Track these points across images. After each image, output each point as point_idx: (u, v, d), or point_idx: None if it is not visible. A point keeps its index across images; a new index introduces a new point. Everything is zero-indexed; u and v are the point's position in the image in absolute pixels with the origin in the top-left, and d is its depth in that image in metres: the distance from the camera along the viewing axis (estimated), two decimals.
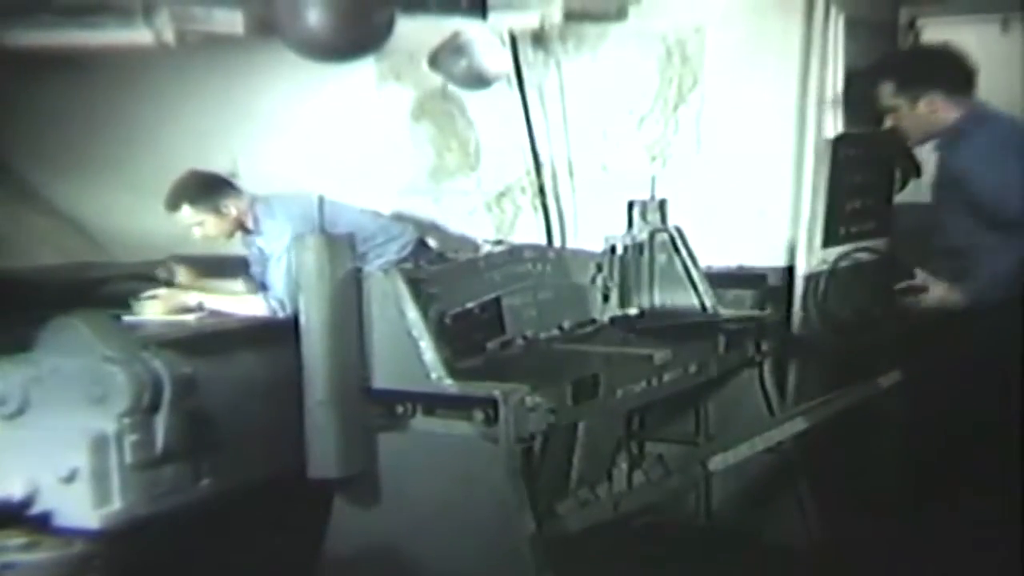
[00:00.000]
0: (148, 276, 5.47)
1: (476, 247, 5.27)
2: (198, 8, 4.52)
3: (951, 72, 4.04)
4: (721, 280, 4.73)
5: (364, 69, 5.73)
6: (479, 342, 3.81)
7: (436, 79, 5.65)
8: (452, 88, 5.69)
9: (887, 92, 4.09)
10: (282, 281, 4.60)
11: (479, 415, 3.28)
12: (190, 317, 4.61)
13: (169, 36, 4.53)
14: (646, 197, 4.51)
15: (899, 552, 4.09)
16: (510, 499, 3.28)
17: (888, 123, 4.16)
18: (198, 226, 4.97)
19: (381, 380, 3.44)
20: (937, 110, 3.98)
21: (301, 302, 3.47)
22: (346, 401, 3.42)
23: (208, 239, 5.05)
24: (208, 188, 4.95)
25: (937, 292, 3.85)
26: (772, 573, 4.28)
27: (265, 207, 4.96)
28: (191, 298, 4.74)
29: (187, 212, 4.93)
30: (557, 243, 5.62)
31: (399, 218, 5.64)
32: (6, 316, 4.15)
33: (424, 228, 5.66)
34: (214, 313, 4.64)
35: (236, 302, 4.74)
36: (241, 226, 5.01)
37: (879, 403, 4.29)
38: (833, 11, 5.00)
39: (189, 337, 4.13)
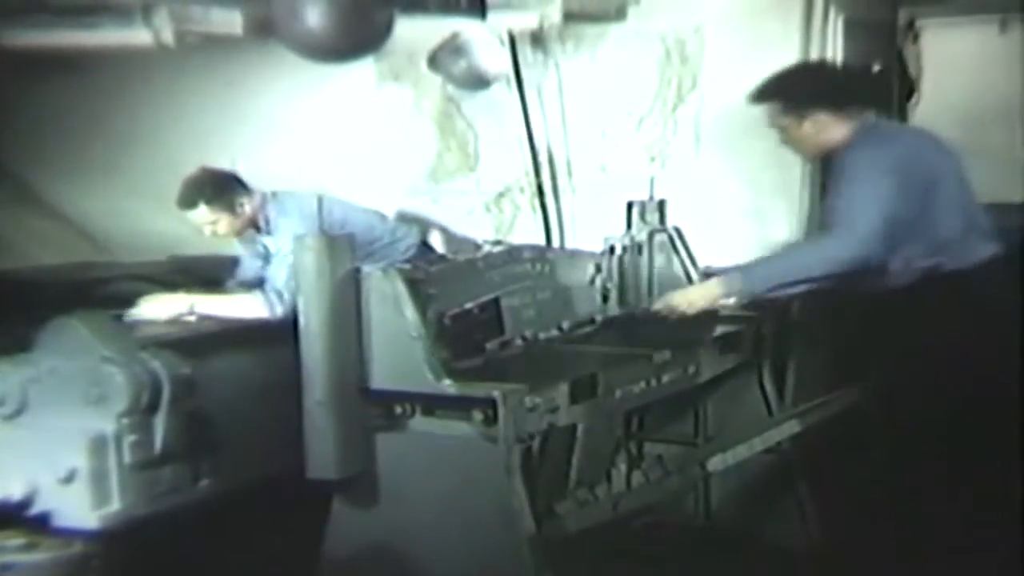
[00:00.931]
0: (148, 277, 5.47)
1: (475, 247, 5.27)
2: (197, 8, 4.52)
3: (835, 89, 4.02)
4: None
5: (363, 70, 5.73)
6: (478, 342, 3.81)
7: (435, 79, 5.65)
8: (451, 88, 5.70)
9: (774, 112, 4.05)
10: (284, 275, 4.56)
11: (478, 415, 3.28)
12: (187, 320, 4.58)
13: (168, 36, 4.54)
14: (645, 198, 4.51)
15: (898, 552, 4.09)
16: (509, 499, 3.28)
17: (782, 140, 4.14)
18: (210, 225, 4.93)
19: (380, 380, 3.44)
20: (823, 128, 3.96)
21: (300, 302, 3.46)
22: (345, 402, 3.42)
23: (218, 237, 5.02)
24: (224, 187, 4.89)
25: (702, 291, 3.78)
26: (771, 573, 4.29)
27: (278, 205, 4.92)
28: (180, 302, 4.69)
29: (203, 211, 4.87)
30: (556, 243, 5.63)
31: (402, 219, 5.64)
32: (5, 316, 4.15)
33: (426, 228, 5.67)
34: (206, 317, 4.58)
35: (230, 303, 4.69)
36: (253, 224, 4.98)
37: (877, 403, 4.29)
38: (832, 12, 5.01)
39: (188, 338, 4.12)
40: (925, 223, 3.88)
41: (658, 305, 3.71)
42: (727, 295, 3.71)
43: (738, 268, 3.86)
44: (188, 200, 4.87)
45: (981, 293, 3.97)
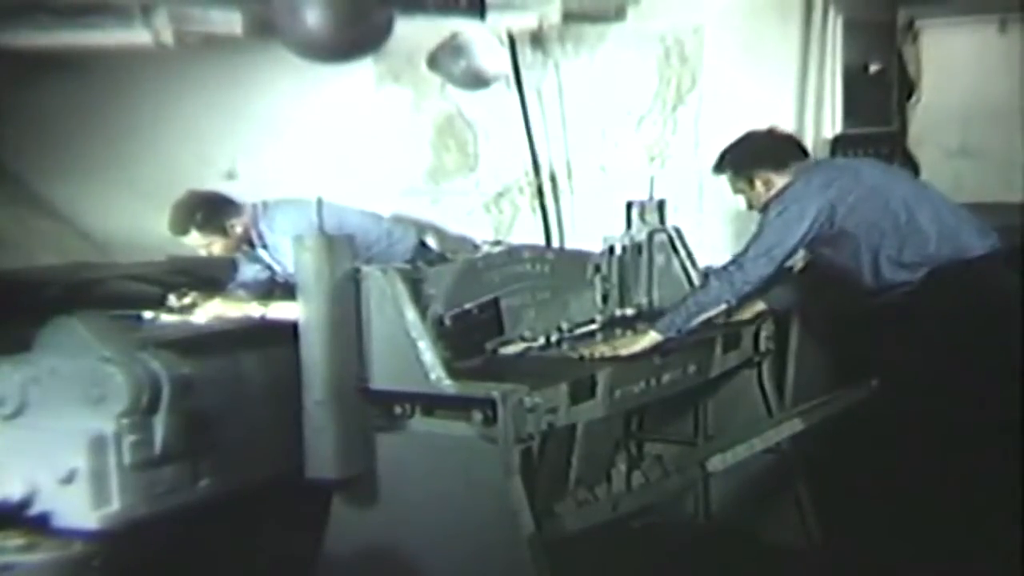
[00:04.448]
0: (147, 277, 5.47)
1: (475, 248, 5.27)
2: (197, 9, 4.53)
3: (772, 150, 4.40)
4: None
5: (363, 70, 5.74)
6: (478, 342, 3.80)
7: (435, 80, 5.65)
8: (451, 89, 5.70)
9: (731, 180, 4.45)
10: None
11: (478, 415, 3.27)
12: None
13: (168, 37, 4.55)
14: (644, 197, 4.51)
15: (898, 553, 4.09)
16: (509, 499, 3.28)
17: (747, 205, 4.47)
18: (205, 248, 4.96)
19: (380, 380, 3.44)
20: (771, 183, 4.33)
21: (300, 302, 3.46)
22: (345, 401, 3.42)
23: (215, 257, 5.04)
24: (213, 211, 4.91)
25: (637, 344, 3.97)
26: (771, 573, 4.29)
27: (267, 220, 4.94)
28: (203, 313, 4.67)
29: (195, 237, 4.92)
30: (556, 243, 5.62)
31: (399, 220, 5.63)
32: (6, 316, 4.15)
33: (423, 229, 5.67)
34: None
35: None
36: (247, 241, 5.00)
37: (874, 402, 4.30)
38: (832, 12, 5.01)
39: (188, 337, 4.12)
40: (889, 239, 4.16)
41: (603, 348, 3.88)
42: (655, 342, 3.98)
43: (657, 322, 4.09)
44: (179, 227, 4.91)
45: (979, 285, 4.06)
